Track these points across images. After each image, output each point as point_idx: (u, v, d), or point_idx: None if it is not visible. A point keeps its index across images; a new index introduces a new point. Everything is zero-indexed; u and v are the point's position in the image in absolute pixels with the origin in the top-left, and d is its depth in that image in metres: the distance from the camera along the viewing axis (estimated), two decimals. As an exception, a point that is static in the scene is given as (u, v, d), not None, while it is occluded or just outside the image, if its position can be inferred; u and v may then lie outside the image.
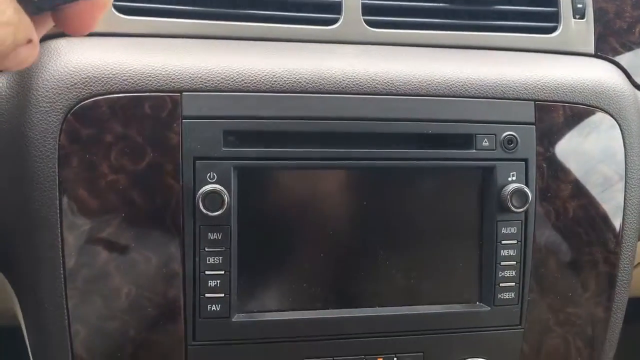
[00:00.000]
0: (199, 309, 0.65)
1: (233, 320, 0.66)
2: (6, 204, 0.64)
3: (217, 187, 0.63)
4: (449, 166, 0.69)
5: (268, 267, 0.67)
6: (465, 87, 0.69)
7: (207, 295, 0.65)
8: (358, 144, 0.67)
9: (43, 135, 0.61)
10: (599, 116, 0.73)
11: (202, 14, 0.72)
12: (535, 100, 0.71)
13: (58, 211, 0.62)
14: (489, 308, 0.71)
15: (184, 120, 0.63)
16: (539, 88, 0.71)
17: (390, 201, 0.69)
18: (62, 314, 0.63)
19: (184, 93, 0.63)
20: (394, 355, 0.70)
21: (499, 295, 0.71)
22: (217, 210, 0.63)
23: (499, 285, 0.71)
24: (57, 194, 0.62)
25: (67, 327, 0.63)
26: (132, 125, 0.63)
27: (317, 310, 0.68)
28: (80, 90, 0.61)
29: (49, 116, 0.61)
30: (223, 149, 0.64)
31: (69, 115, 0.61)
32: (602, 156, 0.73)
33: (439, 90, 0.69)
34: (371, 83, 0.67)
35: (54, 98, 0.61)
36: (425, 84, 0.68)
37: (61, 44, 0.65)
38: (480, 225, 0.71)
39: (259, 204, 0.66)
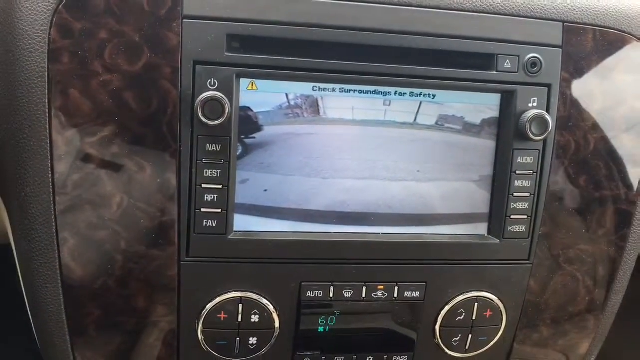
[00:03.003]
0: (193, 224, 0.62)
1: (229, 237, 0.63)
2: None
3: (218, 94, 0.58)
4: (466, 87, 0.64)
5: (268, 183, 0.64)
6: (489, 3, 0.64)
7: (202, 209, 0.61)
8: (370, 58, 0.62)
9: (32, 26, 0.56)
10: (633, 45, 0.68)
11: None
12: (563, 22, 0.66)
13: (47, 111, 0.58)
14: (498, 241, 0.68)
15: (184, 20, 0.59)
16: (568, 8, 0.66)
17: (402, 122, 0.65)
18: (50, 221, 0.60)
19: (186, -11, 0.58)
20: (395, 284, 0.67)
21: (509, 228, 0.67)
22: (217, 119, 0.59)
23: (509, 217, 0.67)
24: (46, 92, 0.57)
25: (55, 234, 0.60)
26: (129, 21, 0.58)
27: (316, 233, 0.65)
28: (73, -22, 0.56)
29: (39, 5, 0.56)
30: (226, 53, 0.59)
31: (60, 6, 0.57)
32: (632, 88, 0.68)
33: (461, 3, 0.63)
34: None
35: (44, -14, 0.56)
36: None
37: None
38: (495, 153, 0.67)
39: (261, 117, 0.62)
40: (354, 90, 0.64)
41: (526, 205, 0.67)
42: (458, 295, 0.69)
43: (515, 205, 0.67)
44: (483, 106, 0.66)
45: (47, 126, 0.58)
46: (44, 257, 0.61)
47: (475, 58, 0.64)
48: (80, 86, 0.58)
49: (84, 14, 0.57)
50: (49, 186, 0.59)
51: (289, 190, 0.64)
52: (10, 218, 0.65)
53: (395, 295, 0.67)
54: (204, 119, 0.58)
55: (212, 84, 0.60)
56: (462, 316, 0.69)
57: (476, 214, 0.68)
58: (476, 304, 0.69)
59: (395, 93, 0.64)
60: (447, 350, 0.71)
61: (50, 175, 0.59)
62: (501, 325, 0.71)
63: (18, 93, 0.58)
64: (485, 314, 0.70)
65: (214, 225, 0.62)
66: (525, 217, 0.67)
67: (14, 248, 0.68)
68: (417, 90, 0.65)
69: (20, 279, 0.67)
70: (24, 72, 0.57)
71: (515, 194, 0.67)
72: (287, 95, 0.62)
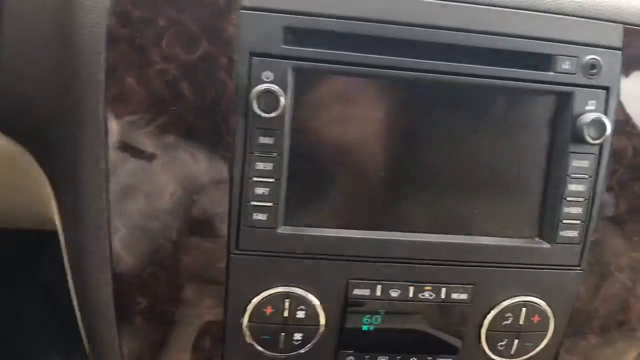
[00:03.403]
0: (244, 216, 0.61)
1: (278, 231, 0.62)
2: (48, 90, 0.60)
3: (274, 87, 0.58)
4: (522, 88, 0.63)
5: (318, 179, 0.63)
6: (548, 2, 0.63)
7: (253, 203, 0.61)
8: (427, 55, 0.61)
9: (91, 13, 0.56)
10: (694, 49, 0.66)
11: None
12: (624, 24, 0.64)
13: (103, 99, 0.58)
14: (549, 245, 0.66)
15: (242, 11, 0.58)
16: (629, 11, 0.64)
17: (453, 122, 0.64)
18: (102, 209, 0.60)
19: (245, -19, 0.58)
20: (443, 285, 0.66)
21: (561, 233, 0.66)
22: (271, 112, 0.58)
23: (562, 222, 0.66)
24: (103, 79, 0.57)
25: (107, 222, 0.60)
26: (187, 10, 0.57)
27: (366, 231, 0.65)
28: (134, -33, 0.56)
29: (99, -7, 0.56)
30: (282, 46, 0.59)
31: None
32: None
33: (519, 2, 0.62)
34: (448, -12, 0.61)
35: (106, -27, 0.56)
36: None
37: None
38: (549, 156, 0.66)
39: (314, 112, 0.62)
40: (408, 89, 0.63)
41: (580, 210, 0.66)
42: (506, 299, 0.68)
43: (568, 210, 0.65)
44: (537, 108, 0.65)
45: (103, 114, 0.58)
46: (95, 245, 0.61)
47: (533, 58, 0.63)
48: (136, 74, 0.58)
49: (143, 2, 0.57)
50: (102, 174, 0.59)
51: (336, 189, 0.64)
52: (60, 206, 0.65)
53: (443, 297, 0.66)
54: (258, 111, 0.58)
55: (268, 76, 0.59)
56: (509, 320, 0.68)
57: (526, 217, 0.67)
58: (524, 308, 0.68)
59: (448, 92, 0.63)
60: (491, 355, 0.70)
61: (104, 163, 0.59)
62: (548, 331, 0.69)
63: (75, 80, 0.58)
64: (532, 319, 0.68)
65: (264, 218, 0.62)
66: (579, 222, 0.66)
67: (61, 236, 0.68)
68: (468, 90, 0.64)
69: (67, 266, 0.68)
70: (81, 59, 0.57)
71: (569, 198, 0.65)
72: (341, 90, 0.62)
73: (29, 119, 0.62)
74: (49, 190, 0.67)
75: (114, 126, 0.58)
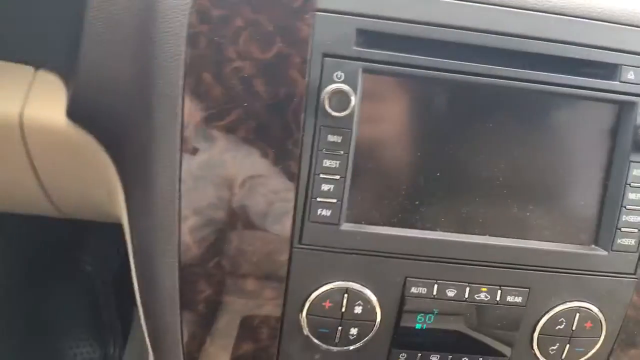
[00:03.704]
0: (309, 211, 0.63)
1: (341, 228, 0.64)
2: (126, 83, 0.62)
3: (345, 86, 0.60)
4: (586, 96, 0.64)
5: (382, 178, 0.65)
6: (615, 13, 0.64)
7: (318, 199, 0.63)
8: (494, 61, 0.63)
9: (173, 10, 0.59)
10: None
11: None
12: None
13: (181, 93, 0.60)
14: (606, 253, 0.67)
15: (317, 13, 0.60)
16: (696, 23, 0.65)
17: (514, 127, 0.65)
18: (174, 199, 0.62)
19: (320, -17, 0.60)
20: (499, 287, 0.67)
21: (619, 241, 0.67)
22: (342, 111, 0.60)
23: (620, 229, 0.66)
24: (182, 74, 0.60)
25: (178, 212, 0.62)
26: (264, 11, 0.60)
27: (425, 230, 0.66)
28: (216, -33, 0.59)
29: (182, -9, 0.59)
30: (354, 47, 0.61)
31: None
32: None
33: (588, 11, 0.63)
34: (518, -5, 0.62)
35: (189, -27, 0.59)
36: (576, 5, 0.63)
37: None
38: (608, 164, 0.66)
39: (381, 113, 0.63)
40: (472, 93, 0.64)
41: (638, 219, 0.66)
42: (559, 304, 0.68)
43: (627, 218, 0.66)
44: (599, 115, 0.66)
45: (180, 107, 0.60)
46: (165, 234, 0.63)
47: (599, 67, 0.64)
48: (213, 70, 0.60)
49: (221, 1, 0.59)
50: (176, 165, 0.61)
51: (398, 189, 0.65)
52: (129, 194, 0.68)
53: (498, 299, 0.67)
54: (329, 110, 0.60)
55: (339, 76, 0.61)
56: (562, 325, 0.69)
57: (582, 224, 0.68)
58: (577, 314, 0.69)
59: (511, 98, 0.64)
60: (542, 358, 0.70)
61: (179, 155, 0.61)
62: (600, 337, 0.70)
63: (155, 73, 0.60)
64: (585, 325, 0.69)
65: (328, 214, 0.63)
66: (636, 230, 0.67)
67: (126, 224, 0.70)
68: (531, 96, 0.65)
69: (131, 254, 0.70)
70: (162, 54, 0.60)
71: (628, 207, 0.66)
72: (408, 92, 0.63)
73: (105, 110, 0.64)
74: (114, 180, 0.70)
75: (190, 120, 0.60)
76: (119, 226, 0.97)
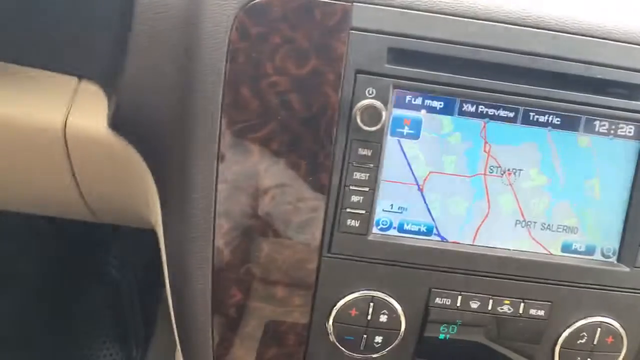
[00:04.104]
0: (338, 222, 0.65)
1: (369, 238, 0.66)
2: (167, 95, 0.65)
3: (377, 102, 0.62)
4: (611, 115, 0.66)
5: (407, 191, 0.67)
6: (638, 34, 0.65)
7: (348, 209, 0.65)
8: (522, 80, 0.65)
9: (216, 27, 0.62)
10: None
11: None
12: None
13: (219, 106, 0.63)
14: (628, 269, 0.68)
15: (351, 31, 0.63)
16: None
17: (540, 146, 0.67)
18: (210, 207, 0.65)
19: (355, 3, 0.62)
20: (522, 300, 0.69)
21: None
22: (373, 126, 0.62)
23: (643, 247, 0.68)
24: (221, 88, 0.63)
25: (213, 219, 0.65)
26: (301, 29, 0.62)
27: (450, 242, 0.68)
28: (256, -13, 0.62)
29: (224, 9, 0.62)
30: (386, 65, 0.63)
31: (241, 11, 0.62)
32: None
33: (611, 33, 0.65)
34: (545, 18, 0.64)
35: (231, -8, 0.62)
36: (597, 26, 0.65)
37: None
38: (633, 182, 0.68)
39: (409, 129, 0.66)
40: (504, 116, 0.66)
41: None
42: (581, 319, 0.70)
43: None
44: (625, 133, 0.67)
45: (219, 119, 0.63)
46: (200, 241, 0.66)
47: (624, 87, 0.65)
48: (251, 85, 0.63)
49: (261, 19, 0.62)
50: (213, 175, 0.64)
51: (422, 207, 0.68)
52: (166, 202, 0.70)
53: (520, 312, 0.69)
54: (361, 125, 0.62)
55: (370, 92, 0.63)
56: (584, 340, 0.70)
57: (606, 240, 0.69)
58: (599, 329, 0.70)
59: (541, 119, 0.66)
60: (563, 372, 0.72)
61: (216, 165, 0.64)
62: (621, 353, 0.71)
63: (195, 87, 0.63)
64: (607, 339, 0.70)
65: (357, 225, 0.66)
66: (659, 248, 0.68)
67: (160, 230, 0.73)
68: (556, 117, 0.67)
69: (166, 259, 0.73)
70: (203, 69, 0.63)
71: None
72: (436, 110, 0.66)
73: (145, 122, 0.67)
74: (151, 189, 0.73)
75: (227, 131, 0.63)
76: (144, 230, 1.00)
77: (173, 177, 0.68)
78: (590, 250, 0.69)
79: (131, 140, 0.70)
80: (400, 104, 0.65)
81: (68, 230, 1.51)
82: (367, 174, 0.65)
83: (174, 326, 0.75)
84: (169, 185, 0.69)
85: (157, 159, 0.70)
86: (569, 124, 0.67)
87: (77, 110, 0.75)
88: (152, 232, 0.84)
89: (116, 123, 0.70)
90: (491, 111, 0.66)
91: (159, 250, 0.74)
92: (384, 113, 0.62)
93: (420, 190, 0.67)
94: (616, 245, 0.69)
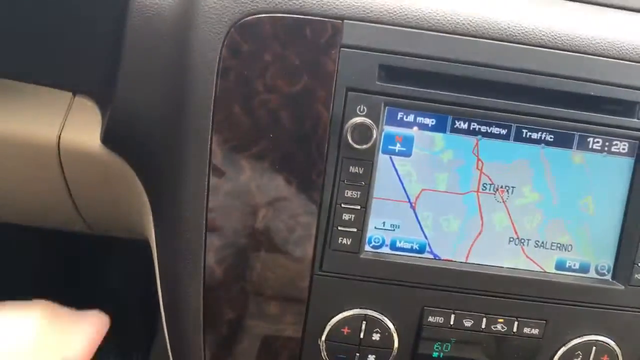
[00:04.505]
0: (329, 239, 0.65)
1: (361, 256, 0.66)
2: (161, 111, 0.65)
3: (367, 120, 0.62)
4: (606, 132, 0.65)
5: (398, 209, 0.67)
6: (631, 51, 0.65)
7: (339, 227, 0.65)
8: (515, 97, 0.64)
9: (207, 45, 0.62)
10: None
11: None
12: None
13: (210, 123, 0.63)
14: (623, 287, 0.68)
15: (342, 49, 0.62)
16: None
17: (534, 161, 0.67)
18: (201, 224, 0.65)
19: (345, 21, 0.62)
20: (515, 319, 0.68)
21: (636, 276, 0.67)
22: (364, 144, 0.62)
23: (637, 264, 0.67)
24: (212, 106, 0.63)
25: (204, 237, 0.65)
26: (291, 47, 0.62)
27: (443, 260, 0.67)
28: (247, 4, 0.61)
29: (214, 27, 0.62)
30: (377, 82, 0.63)
31: (232, 29, 0.62)
32: None
33: (607, 50, 0.65)
34: (537, 34, 0.64)
35: (222, 10, 0.61)
36: (590, 43, 0.64)
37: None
38: (627, 199, 0.67)
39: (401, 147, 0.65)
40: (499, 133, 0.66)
41: None
42: (576, 337, 0.69)
43: None
44: (617, 152, 0.67)
45: (209, 136, 0.63)
46: (191, 258, 0.66)
47: (618, 104, 0.65)
48: (241, 103, 0.63)
49: (252, 37, 0.62)
50: (204, 192, 0.64)
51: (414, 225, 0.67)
52: (158, 217, 0.70)
53: (514, 330, 0.68)
54: (352, 143, 0.62)
55: (361, 110, 0.63)
56: (579, 358, 0.69)
57: (600, 258, 0.69)
58: (594, 347, 0.69)
59: (534, 136, 0.66)
60: (558, 391, 0.71)
61: (206, 183, 0.64)
62: (617, 372, 0.71)
63: (187, 104, 0.63)
64: (602, 358, 0.69)
65: (348, 243, 0.65)
66: (655, 266, 0.67)
67: (154, 246, 0.73)
68: (549, 134, 0.66)
69: (158, 273, 0.73)
70: (193, 85, 0.63)
71: None
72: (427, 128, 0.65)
73: (138, 138, 0.67)
74: (145, 203, 0.73)
75: (217, 149, 0.63)
76: (145, 243, 1.00)
77: (165, 193, 0.68)
78: (584, 268, 0.69)
79: (123, 155, 0.70)
80: (391, 121, 0.65)
81: (69, 244, 1.51)
82: (359, 192, 0.64)
83: (167, 342, 0.75)
84: (161, 201, 0.69)
85: (150, 174, 0.70)
86: (562, 141, 0.66)
87: (71, 126, 0.76)
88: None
89: (109, 139, 0.70)
90: (484, 128, 0.66)
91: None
92: (374, 131, 0.62)
93: (413, 207, 0.67)
94: (611, 263, 0.69)
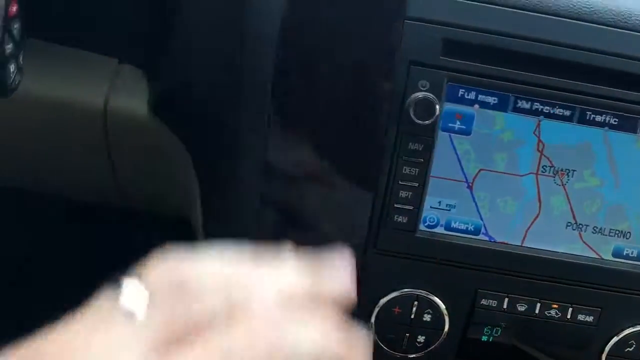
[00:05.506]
0: (385, 217, 0.64)
1: (416, 235, 0.64)
2: (216, 82, 0.64)
3: (431, 95, 0.60)
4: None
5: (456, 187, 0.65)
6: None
7: (396, 205, 0.63)
8: (578, 77, 0.62)
9: (266, 15, 0.60)
10: None
11: None
12: None
13: (269, 95, 0.61)
14: (681, 276, 0.66)
15: (406, 21, 0.61)
16: None
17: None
18: (253, 203, 0.63)
19: (411, -8, 0.60)
20: (570, 305, 0.66)
21: None
22: (425, 119, 0.60)
23: (697, 254, 0.65)
24: (270, 77, 0.61)
25: (256, 216, 0.64)
26: (355, 18, 0.60)
27: (499, 243, 0.66)
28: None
29: (274, -4, 0.60)
30: (441, 57, 0.61)
31: None
32: None
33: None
34: (608, 13, 0.61)
35: (285, -23, 0.60)
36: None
37: None
38: None
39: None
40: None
41: None
42: (631, 326, 0.68)
43: None
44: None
45: (266, 110, 0.61)
46: (243, 236, 0.64)
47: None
48: (300, 74, 0.61)
49: (309, 9, 0.60)
50: (260, 166, 0.63)
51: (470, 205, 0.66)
52: (207, 197, 0.69)
53: (568, 317, 0.67)
54: (414, 118, 0.60)
55: (424, 85, 0.61)
56: (632, 348, 0.68)
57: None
58: (648, 338, 0.68)
59: (598, 119, 0.64)
60: (608, 380, 0.70)
61: (262, 156, 0.62)
62: (670, 362, 0.69)
63: (244, 76, 0.61)
64: (656, 348, 0.68)
65: (405, 221, 0.64)
66: None
67: (200, 226, 0.71)
68: (613, 118, 0.64)
69: None
70: (251, 57, 0.61)
71: None
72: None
73: (191, 111, 0.66)
74: (192, 182, 0.71)
75: (275, 122, 0.62)
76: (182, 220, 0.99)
77: (216, 172, 0.66)
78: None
79: (175, 128, 0.69)
80: (452, 98, 0.63)
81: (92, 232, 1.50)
82: (417, 169, 0.63)
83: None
84: (212, 181, 0.68)
85: (201, 150, 0.68)
86: (627, 124, 0.64)
87: (118, 93, 0.74)
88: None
89: (159, 110, 0.68)
90: (546, 109, 0.64)
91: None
92: (437, 107, 0.60)
93: (470, 187, 0.65)
94: (666, 251, 0.67)
